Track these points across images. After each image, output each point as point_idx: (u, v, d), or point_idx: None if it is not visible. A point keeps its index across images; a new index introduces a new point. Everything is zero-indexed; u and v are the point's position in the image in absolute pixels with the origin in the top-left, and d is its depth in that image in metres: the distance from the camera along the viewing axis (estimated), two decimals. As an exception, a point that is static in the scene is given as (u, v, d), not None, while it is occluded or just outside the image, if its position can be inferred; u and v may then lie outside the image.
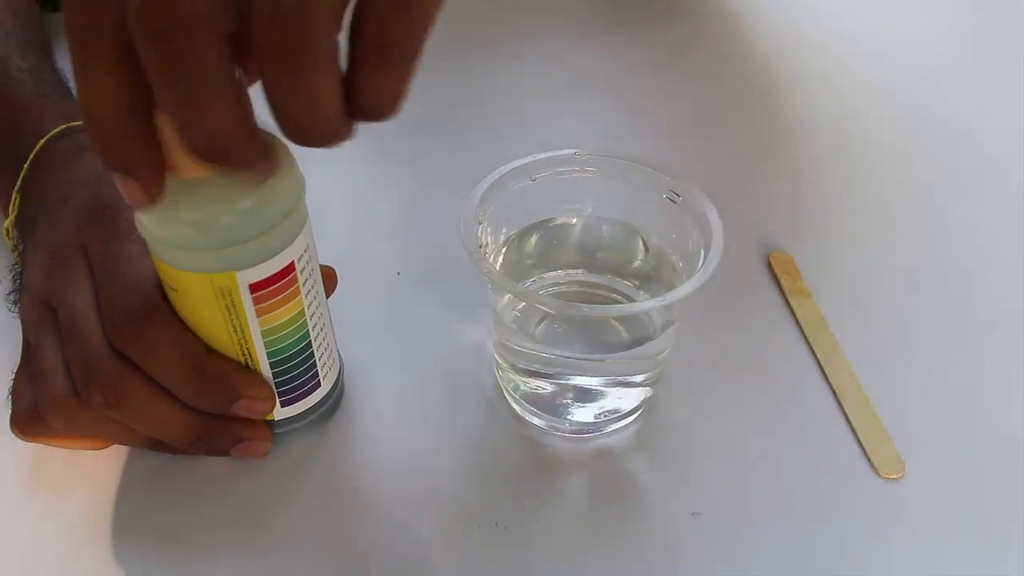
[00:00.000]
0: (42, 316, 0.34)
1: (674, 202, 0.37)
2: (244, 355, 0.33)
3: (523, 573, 0.34)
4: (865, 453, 0.38)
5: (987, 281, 0.46)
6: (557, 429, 0.39)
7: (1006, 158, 0.54)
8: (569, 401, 0.38)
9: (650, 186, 0.38)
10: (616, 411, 0.38)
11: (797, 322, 0.43)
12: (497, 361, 0.39)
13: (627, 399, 0.38)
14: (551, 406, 0.38)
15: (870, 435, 0.38)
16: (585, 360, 0.37)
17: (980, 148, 0.54)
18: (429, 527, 0.35)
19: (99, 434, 0.35)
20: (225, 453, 0.35)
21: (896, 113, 0.57)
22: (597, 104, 0.57)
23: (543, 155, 0.38)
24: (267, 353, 0.33)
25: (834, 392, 0.40)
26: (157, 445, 0.36)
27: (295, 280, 0.32)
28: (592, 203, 0.40)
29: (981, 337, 0.43)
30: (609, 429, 0.39)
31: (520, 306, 0.38)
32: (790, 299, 0.44)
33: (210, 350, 0.33)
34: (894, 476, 0.37)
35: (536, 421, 0.39)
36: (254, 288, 0.31)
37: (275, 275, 0.31)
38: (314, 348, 0.35)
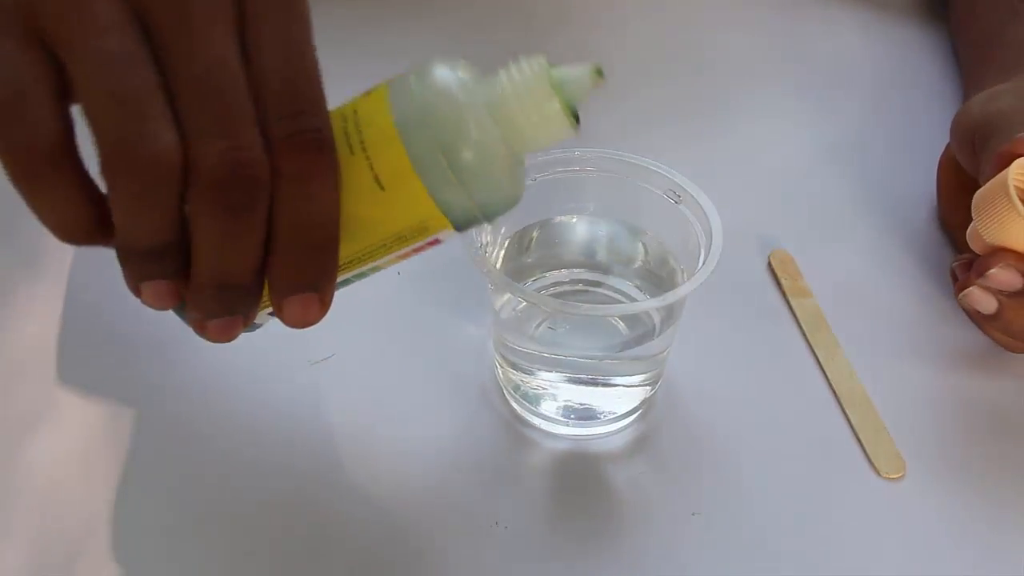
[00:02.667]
0: (24, 39, 0.24)
1: (674, 201, 0.37)
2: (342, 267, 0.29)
3: (523, 573, 0.34)
4: (865, 453, 0.38)
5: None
6: (557, 429, 0.39)
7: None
8: (569, 401, 0.38)
9: (650, 185, 0.38)
10: (616, 411, 0.38)
11: (797, 322, 0.43)
12: (497, 361, 0.39)
13: (627, 399, 0.38)
14: (551, 406, 0.38)
15: (870, 435, 0.38)
16: (585, 360, 0.37)
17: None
18: (429, 527, 0.35)
19: (152, 209, 0.25)
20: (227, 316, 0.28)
21: (896, 112, 0.57)
22: (597, 104, 0.57)
23: (543, 155, 0.38)
24: (340, 281, 0.29)
25: (834, 392, 0.40)
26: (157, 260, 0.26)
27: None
28: (592, 202, 0.40)
29: (981, 336, 0.43)
30: (609, 429, 0.39)
31: (520, 306, 0.38)
32: (790, 299, 0.44)
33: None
34: (894, 476, 0.37)
35: (536, 421, 0.39)
36: (431, 243, 0.28)
37: (439, 242, 0.29)
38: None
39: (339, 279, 0.28)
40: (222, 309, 0.27)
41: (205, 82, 0.24)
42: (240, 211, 0.25)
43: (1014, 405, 0.40)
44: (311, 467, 0.37)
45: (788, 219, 0.49)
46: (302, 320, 0.28)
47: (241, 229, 0.25)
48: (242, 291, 0.27)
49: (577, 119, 0.28)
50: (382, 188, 0.26)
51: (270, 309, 0.28)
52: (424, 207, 0.26)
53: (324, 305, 0.28)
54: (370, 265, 0.29)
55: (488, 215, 0.28)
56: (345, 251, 0.27)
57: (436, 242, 0.28)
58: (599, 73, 0.27)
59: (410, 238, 0.28)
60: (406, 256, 0.29)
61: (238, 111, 0.24)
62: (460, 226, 0.28)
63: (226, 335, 0.27)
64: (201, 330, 0.27)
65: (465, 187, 0.26)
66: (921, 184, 0.51)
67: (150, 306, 0.27)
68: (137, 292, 0.27)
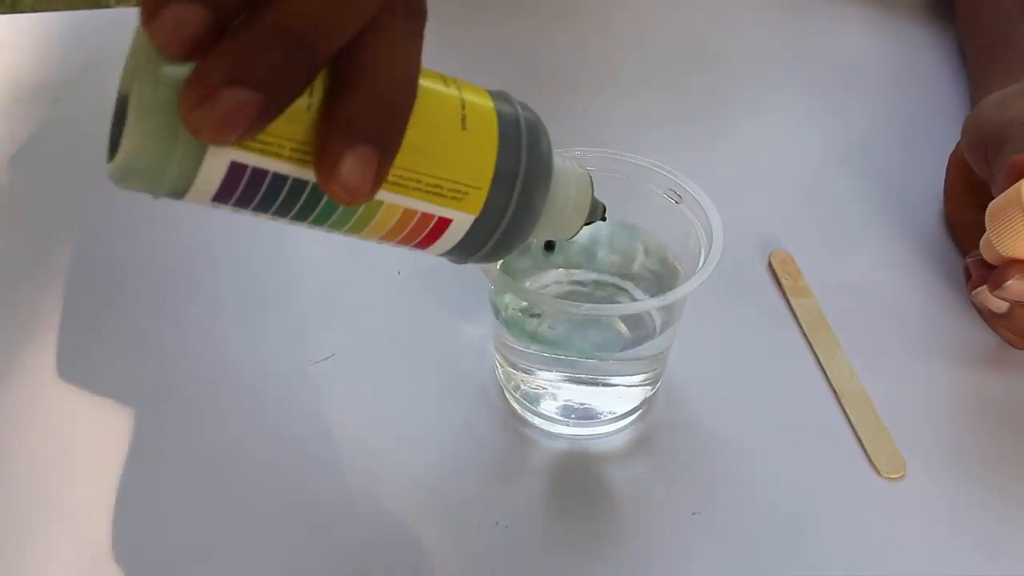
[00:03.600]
0: None
1: (675, 201, 0.37)
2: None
3: (523, 573, 0.34)
4: (865, 453, 0.38)
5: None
6: (557, 428, 0.39)
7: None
8: (569, 401, 0.38)
9: (650, 185, 0.38)
10: (616, 411, 0.38)
11: (797, 322, 0.43)
12: (497, 361, 0.39)
13: (627, 399, 0.38)
14: (551, 406, 0.38)
15: (870, 435, 0.38)
16: (585, 360, 0.37)
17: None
18: (429, 527, 0.35)
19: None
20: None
21: (899, 112, 0.57)
22: (597, 103, 0.57)
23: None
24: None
25: (834, 392, 0.40)
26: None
27: None
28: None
29: (981, 336, 0.43)
30: (609, 429, 0.39)
31: (520, 306, 0.38)
32: (790, 299, 0.44)
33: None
34: (894, 476, 0.37)
35: (536, 421, 0.39)
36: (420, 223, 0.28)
37: (440, 225, 0.28)
38: None
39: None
40: (261, 70, 0.21)
41: None
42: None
43: (1014, 405, 0.40)
44: (311, 467, 0.37)
45: (788, 219, 0.49)
46: (356, 181, 0.23)
47: None
48: (299, 57, 0.22)
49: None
50: (464, 128, 0.27)
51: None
52: (481, 173, 0.27)
53: (380, 175, 0.24)
54: (396, 199, 0.26)
55: (507, 238, 0.28)
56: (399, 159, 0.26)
57: (440, 228, 0.28)
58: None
59: (441, 195, 0.27)
60: (404, 230, 0.27)
61: None
62: (479, 227, 0.28)
63: (232, 122, 0.21)
64: (203, 103, 0.21)
65: (515, 201, 0.28)
66: (923, 184, 0.51)
67: (158, 36, 0.21)
68: (153, 17, 0.21)
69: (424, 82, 0.26)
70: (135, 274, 0.46)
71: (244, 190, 0.25)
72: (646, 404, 0.39)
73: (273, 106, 0.22)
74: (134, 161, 0.23)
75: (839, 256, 0.47)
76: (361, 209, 0.27)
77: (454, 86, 0.28)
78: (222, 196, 0.25)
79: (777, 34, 0.64)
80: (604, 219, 0.33)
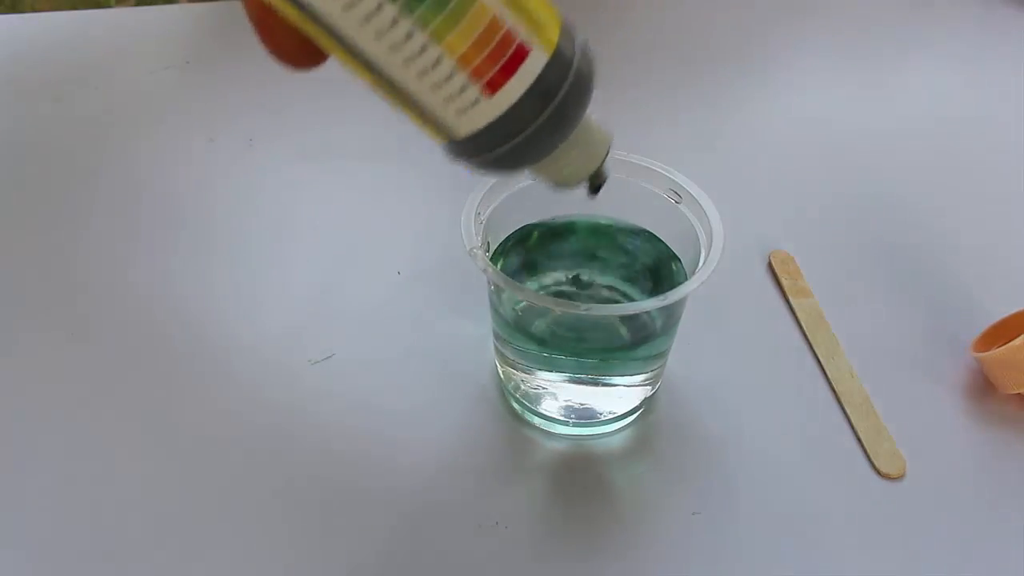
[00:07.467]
0: None
1: (675, 201, 0.37)
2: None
3: (523, 573, 0.34)
4: (865, 453, 0.38)
5: (987, 280, 0.46)
6: (557, 428, 0.39)
7: (1007, 158, 0.54)
8: (569, 400, 0.38)
9: (650, 185, 0.38)
10: (616, 411, 0.38)
11: (797, 322, 0.43)
12: (497, 361, 0.39)
13: (627, 399, 0.38)
14: (551, 406, 0.38)
15: (870, 435, 0.38)
16: (585, 360, 0.37)
17: (982, 147, 0.54)
18: (429, 527, 0.35)
19: None
20: None
21: (896, 112, 0.57)
22: (598, 104, 0.57)
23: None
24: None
25: (834, 392, 0.40)
26: None
27: None
28: (592, 202, 0.40)
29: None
30: (609, 429, 0.39)
31: (520, 306, 0.38)
32: (790, 299, 0.44)
33: None
34: (894, 476, 0.37)
35: (536, 420, 0.39)
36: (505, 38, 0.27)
37: (521, 51, 0.27)
38: None
39: None
40: None
41: None
42: None
43: (1014, 404, 0.40)
44: (310, 467, 0.37)
45: (788, 219, 0.49)
46: None
47: None
48: None
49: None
50: None
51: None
52: (553, 30, 0.27)
53: None
54: None
55: (538, 136, 0.28)
56: None
57: (516, 60, 0.26)
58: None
59: (528, 17, 0.26)
60: (488, 46, 0.26)
61: None
62: (540, 85, 0.27)
63: None
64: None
65: (565, 87, 0.27)
66: (923, 183, 0.51)
67: None
68: None
69: None
70: (135, 273, 0.46)
71: None
72: (646, 404, 0.39)
73: None
74: None
75: (839, 256, 0.47)
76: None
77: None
78: None
79: (777, 35, 0.64)
80: (598, 190, 0.32)
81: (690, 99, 0.57)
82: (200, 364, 0.41)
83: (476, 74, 0.26)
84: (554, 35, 0.27)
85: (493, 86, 0.27)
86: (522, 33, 0.26)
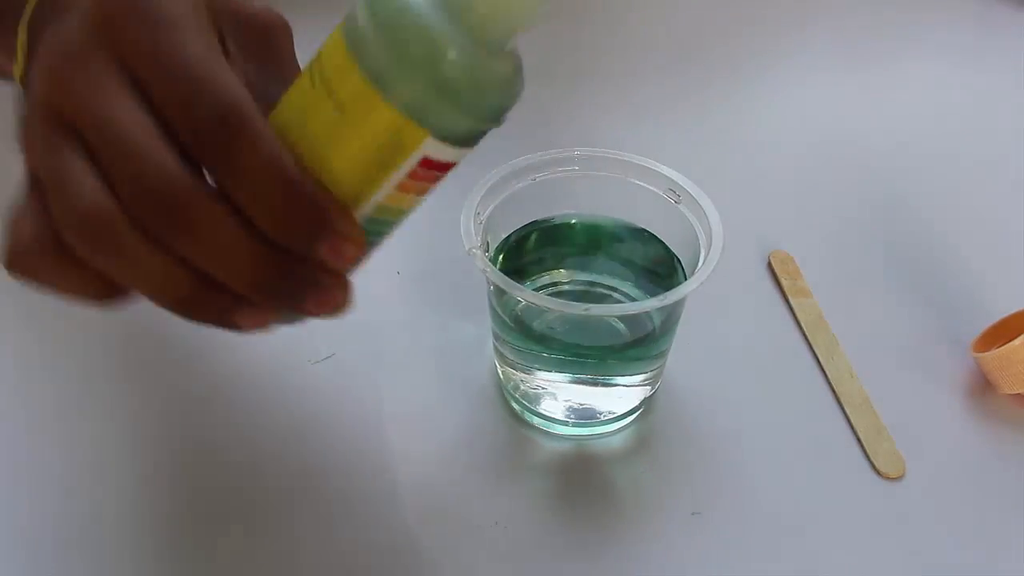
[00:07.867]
0: (57, 133, 0.26)
1: (674, 201, 0.37)
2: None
3: (523, 573, 0.34)
4: (865, 453, 0.38)
5: (987, 280, 0.46)
6: (557, 428, 0.39)
7: (1007, 158, 0.54)
8: (569, 401, 0.38)
9: (650, 185, 0.38)
10: (616, 411, 0.38)
11: (797, 322, 0.43)
12: (497, 361, 0.39)
13: (627, 399, 0.38)
14: (551, 405, 0.38)
15: (870, 435, 0.38)
16: (585, 360, 0.37)
17: (982, 147, 0.54)
18: (429, 527, 0.35)
19: (135, 268, 0.25)
20: (292, 304, 0.26)
21: (896, 112, 0.57)
22: (597, 103, 0.57)
23: (543, 155, 0.38)
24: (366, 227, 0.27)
25: (834, 392, 0.40)
26: (194, 297, 0.26)
27: (438, 180, 0.27)
28: (592, 202, 0.40)
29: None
30: (609, 429, 0.39)
31: (520, 306, 0.38)
32: (790, 299, 0.44)
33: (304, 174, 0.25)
34: (894, 476, 0.37)
35: (536, 421, 0.39)
36: (423, 163, 0.25)
37: (445, 164, 0.26)
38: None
39: (362, 226, 0.26)
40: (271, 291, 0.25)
41: (120, 150, 0.24)
42: (188, 225, 0.24)
43: (1014, 404, 0.40)
44: (310, 467, 0.37)
45: (788, 219, 0.49)
46: (341, 260, 0.25)
47: (212, 236, 0.24)
48: (285, 282, 0.25)
49: None
50: (342, 112, 0.24)
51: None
52: (386, 117, 0.24)
53: (355, 244, 0.25)
54: (376, 203, 0.26)
55: (475, 113, 0.25)
56: (338, 192, 0.25)
57: (432, 164, 0.25)
58: None
59: (392, 161, 0.25)
60: (410, 188, 0.26)
61: (144, 150, 0.24)
62: (449, 133, 0.25)
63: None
64: (231, 319, 0.26)
65: (424, 83, 0.24)
66: (923, 183, 0.51)
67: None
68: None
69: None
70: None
71: None
72: (646, 404, 0.39)
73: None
74: None
75: (839, 256, 0.47)
76: (376, 234, 0.28)
77: (318, 77, 0.25)
78: None
79: (777, 34, 0.64)
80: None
81: (690, 99, 0.57)
82: (200, 364, 0.41)
83: (432, 184, 0.27)
84: (421, 132, 0.25)
85: (443, 172, 0.26)
86: (411, 162, 0.25)
